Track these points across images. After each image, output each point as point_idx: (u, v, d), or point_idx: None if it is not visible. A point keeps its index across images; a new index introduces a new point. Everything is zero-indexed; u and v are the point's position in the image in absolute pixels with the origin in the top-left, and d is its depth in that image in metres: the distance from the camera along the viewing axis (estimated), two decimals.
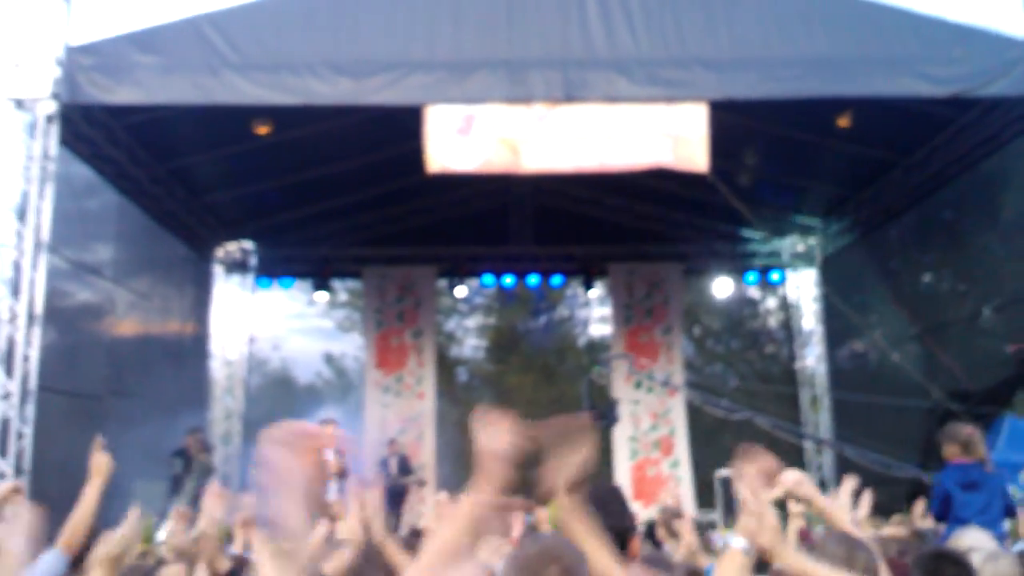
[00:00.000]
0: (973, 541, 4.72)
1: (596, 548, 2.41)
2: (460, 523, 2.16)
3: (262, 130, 9.73)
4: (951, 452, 6.74)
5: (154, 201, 11.31)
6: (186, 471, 11.59)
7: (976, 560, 4.17)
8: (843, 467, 13.99)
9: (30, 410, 8.14)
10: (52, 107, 8.46)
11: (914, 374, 11.66)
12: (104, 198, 10.38)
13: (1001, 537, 5.89)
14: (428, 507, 14.29)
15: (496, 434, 2.18)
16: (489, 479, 2.13)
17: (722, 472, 13.52)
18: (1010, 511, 6.63)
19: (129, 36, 8.51)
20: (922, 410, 11.63)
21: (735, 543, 2.51)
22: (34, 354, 8.24)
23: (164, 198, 11.46)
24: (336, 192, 12.85)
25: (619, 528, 2.71)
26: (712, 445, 15.00)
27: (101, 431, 9.61)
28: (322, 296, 15.78)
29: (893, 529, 7.22)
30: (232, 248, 14.61)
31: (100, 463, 4.08)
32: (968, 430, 6.73)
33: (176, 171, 11.21)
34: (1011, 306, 10.79)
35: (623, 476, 14.84)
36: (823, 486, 14.90)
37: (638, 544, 2.84)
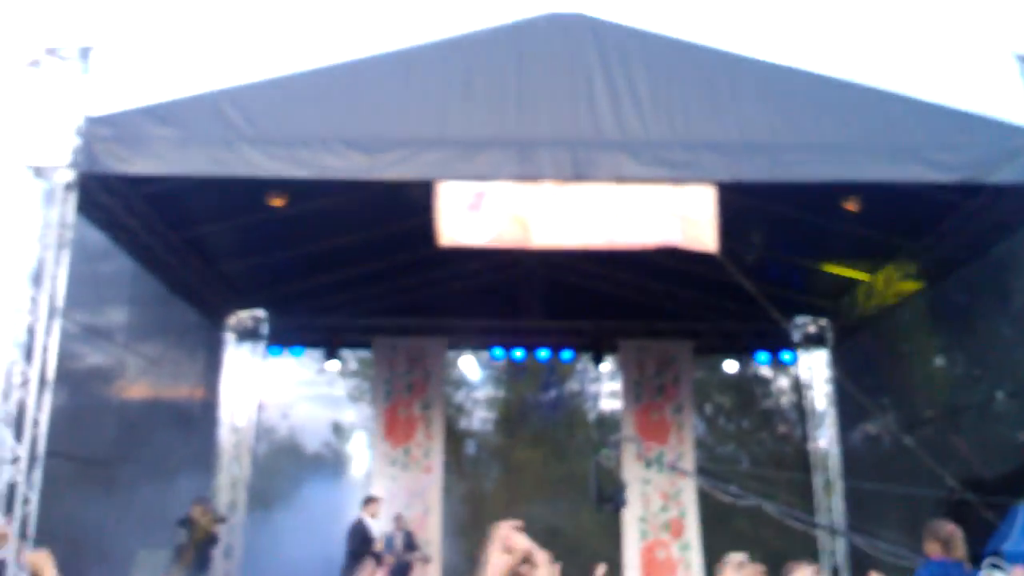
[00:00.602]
0: None
1: None
2: None
3: (277, 202, 9.87)
4: (931, 549, 6.64)
5: (168, 269, 11.45)
6: (190, 541, 11.51)
7: None
8: (856, 553, 13.71)
9: (37, 475, 8.12)
10: (70, 176, 8.61)
11: (928, 460, 11.47)
12: (118, 263, 10.51)
13: None
14: None
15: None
16: None
17: (735, 556, 13.25)
18: None
19: (147, 109, 8.71)
20: (936, 498, 11.41)
21: None
22: (44, 419, 8.26)
23: (178, 267, 11.59)
24: (348, 263, 12.98)
25: None
26: (724, 528, 14.75)
27: (107, 496, 9.63)
28: (333, 365, 15.81)
29: None
30: (244, 316, 14.71)
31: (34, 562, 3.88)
32: (949, 528, 6.63)
33: (191, 240, 11.36)
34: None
35: (632, 557, 14.60)
36: (835, 573, 14.59)
37: None
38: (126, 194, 9.70)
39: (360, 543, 12.35)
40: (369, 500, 13.09)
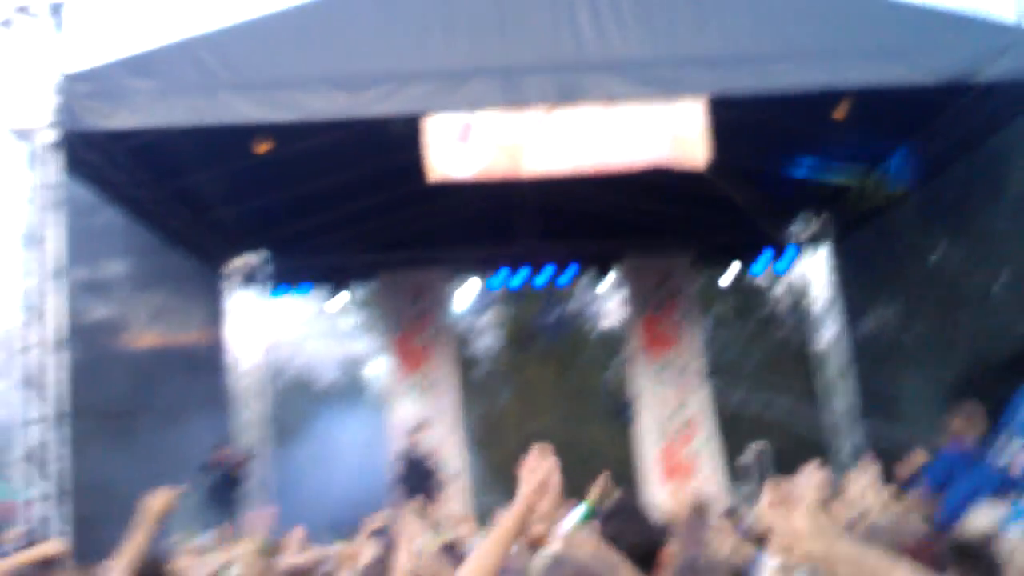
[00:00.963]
0: (985, 520, 4.69)
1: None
2: (501, 535, 2.37)
3: (262, 148, 9.80)
4: (955, 428, 6.82)
5: (160, 220, 11.42)
6: (217, 484, 11.77)
7: (1009, 547, 4.14)
8: (873, 441, 14.00)
9: (66, 432, 8.30)
10: (53, 135, 8.56)
11: (931, 349, 11.66)
12: (110, 215, 10.47)
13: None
14: (458, 504, 14.43)
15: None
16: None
17: (754, 445, 13.54)
18: (1005, 486, 6.63)
19: (124, 62, 8.61)
20: (944, 382, 11.61)
21: (770, 564, 2.53)
22: (64, 376, 8.40)
23: (170, 217, 11.56)
24: (342, 201, 12.92)
25: (647, 539, 2.73)
26: (736, 424, 15.03)
27: (128, 448, 9.83)
28: (338, 301, 15.91)
29: (907, 505, 7.21)
30: (244, 261, 14.73)
31: (152, 506, 4.03)
32: (971, 406, 6.80)
33: (180, 190, 11.30)
34: (1020, 281, 10.76)
35: (652, 458, 14.90)
36: (841, 469, 14.86)
37: (669, 553, 2.79)
38: (110, 149, 9.63)
39: (408, 468, 12.37)
40: (419, 426, 13.16)
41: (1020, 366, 11.54)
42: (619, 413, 12.01)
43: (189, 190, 11.37)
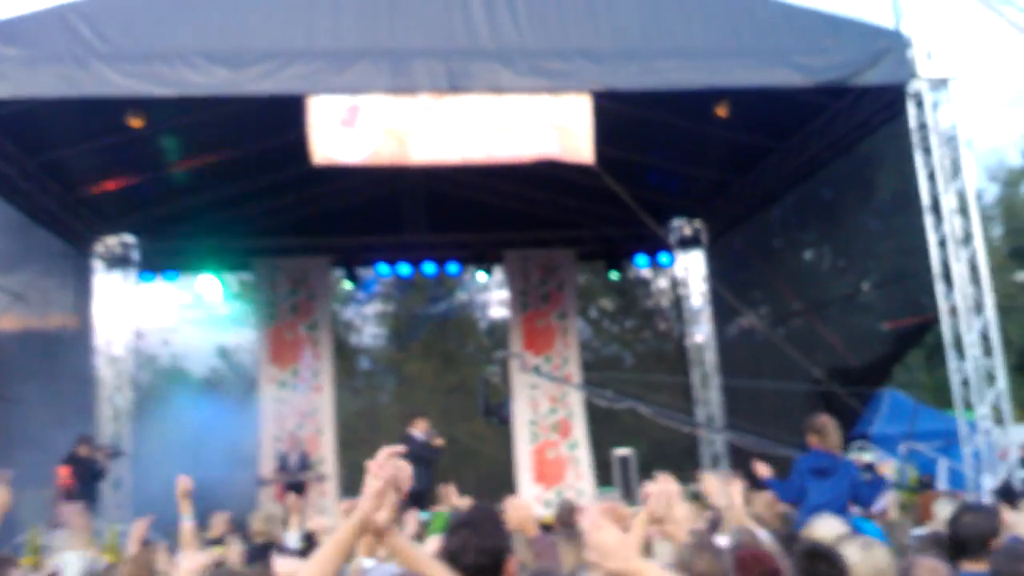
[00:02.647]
0: (829, 529, 4.88)
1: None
2: (337, 543, 2.33)
3: (135, 123, 9.37)
4: (810, 440, 7.04)
5: (26, 197, 10.80)
6: (80, 480, 11.20)
7: (852, 551, 4.32)
8: (735, 445, 14.45)
9: None
10: None
11: (796, 353, 12.08)
12: None
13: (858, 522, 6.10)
14: (329, 501, 14.18)
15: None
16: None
17: (620, 451, 13.84)
18: (861, 499, 6.91)
19: None
20: (805, 387, 12.05)
21: None
22: None
23: (36, 193, 10.95)
24: (220, 183, 12.51)
25: (492, 549, 2.68)
26: (610, 424, 15.28)
27: None
28: (208, 288, 15.39)
29: (762, 507, 7.43)
30: (112, 242, 14.09)
31: None
32: (823, 419, 7.04)
33: (48, 164, 10.72)
34: (888, 284, 11.27)
35: (524, 459, 15.01)
36: (716, 461, 15.38)
37: (514, 566, 2.80)
38: None
39: (411, 455, 11.87)
40: (416, 418, 12.69)
41: (879, 371, 12.17)
42: (494, 412, 12.00)
43: (57, 165, 10.80)
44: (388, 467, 2.40)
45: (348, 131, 8.76)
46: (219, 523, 8.52)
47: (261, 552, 5.90)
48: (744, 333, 14.75)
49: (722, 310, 15.32)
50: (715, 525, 5.75)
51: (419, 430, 11.81)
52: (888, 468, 7.86)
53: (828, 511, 5.52)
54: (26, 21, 8.22)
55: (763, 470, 7.13)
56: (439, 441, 11.83)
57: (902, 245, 10.50)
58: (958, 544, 3.99)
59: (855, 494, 6.78)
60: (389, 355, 22.32)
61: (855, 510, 6.86)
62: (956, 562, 3.87)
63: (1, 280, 10.71)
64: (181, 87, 8.23)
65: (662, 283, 17.79)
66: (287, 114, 9.01)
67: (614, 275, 16.73)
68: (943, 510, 5.38)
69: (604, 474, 14.48)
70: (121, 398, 14.38)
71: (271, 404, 14.68)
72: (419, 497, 9.87)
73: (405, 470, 2.42)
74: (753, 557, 3.47)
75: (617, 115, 9.74)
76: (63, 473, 11.02)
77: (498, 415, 11.94)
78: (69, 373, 12.37)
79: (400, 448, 2.48)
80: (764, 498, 7.54)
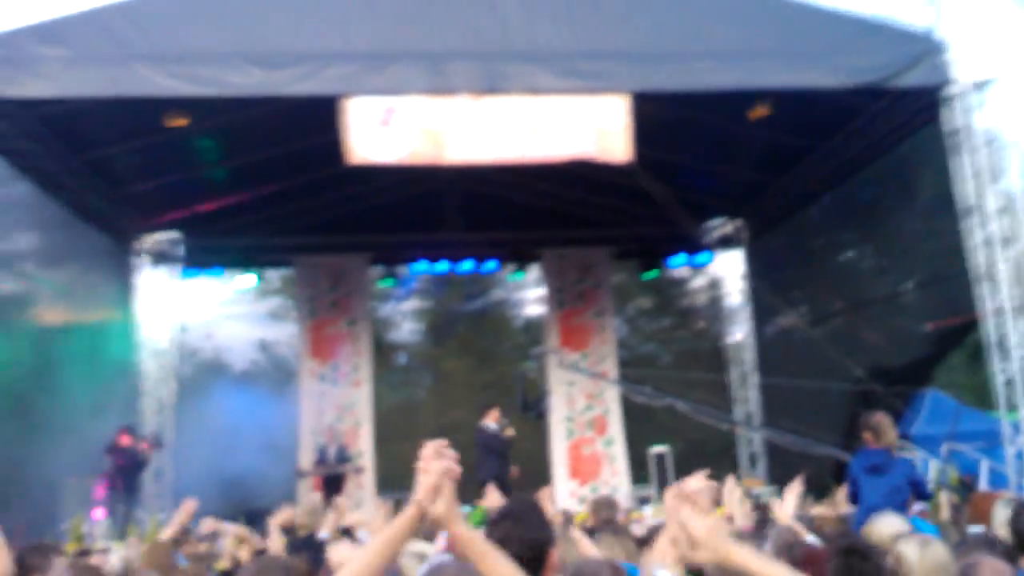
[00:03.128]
0: (888, 527, 4.86)
1: (493, 565, 2.40)
2: (389, 537, 2.39)
3: (178, 122, 9.53)
4: (865, 438, 6.96)
5: (72, 193, 11.05)
6: (120, 469, 11.44)
7: (909, 549, 4.30)
8: (772, 444, 14.35)
9: None
10: None
11: (836, 352, 11.96)
12: (21, 187, 10.10)
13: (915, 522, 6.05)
14: (367, 494, 14.34)
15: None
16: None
17: (656, 449, 13.81)
18: (921, 495, 6.84)
19: (35, 28, 8.30)
20: (846, 387, 11.93)
21: (659, 573, 2.51)
22: None
23: (82, 190, 11.20)
24: (261, 181, 12.68)
25: (535, 541, 2.70)
26: (646, 422, 15.25)
27: (25, 427, 9.46)
28: (247, 281, 15.62)
29: (820, 510, 7.40)
30: (157, 239, 14.35)
31: None
32: (877, 417, 6.95)
33: (93, 162, 10.95)
34: (930, 284, 11.13)
35: (560, 455, 15.06)
36: (753, 460, 15.28)
37: (556, 557, 2.80)
38: (21, 117, 9.30)
39: (483, 445, 12.05)
40: (490, 408, 12.86)
41: (920, 372, 12.02)
42: (531, 407, 12.03)
43: (102, 163, 11.03)
44: (439, 461, 2.41)
45: (384, 131, 8.83)
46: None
47: (305, 544, 5.97)
48: (783, 333, 14.63)
49: (761, 309, 15.22)
50: (762, 525, 5.74)
51: (491, 420, 11.98)
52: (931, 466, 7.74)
53: (885, 508, 5.47)
54: (70, 22, 8.40)
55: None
56: (510, 432, 11.99)
57: (944, 246, 10.34)
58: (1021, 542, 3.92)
59: (916, 489, 6.71)
60: (426, 351, 22.43)
61: (915, 508, 6.79)
62: (1016, 560, 3.83)
63: (49, 275, 10.97)
64: (221, 87, 8.37)
65: (699, 282, 17.70)
66: (325, 114, 9.11)
67: (651, 275, 16.68)
68: (1002, 511, 5.28)
69: (640, 471, 14.46)
70: (164, 390, 14.64)
71: (310, 398, 14.88)
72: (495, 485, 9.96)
73: (454, 462, 2.45)
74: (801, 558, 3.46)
75: (655, 116, 9.70)
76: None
77: (536, 409, 12.00)
78: (113, 366, 12.62)
79: (444, 442, 2.50)
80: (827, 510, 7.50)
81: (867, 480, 6.66)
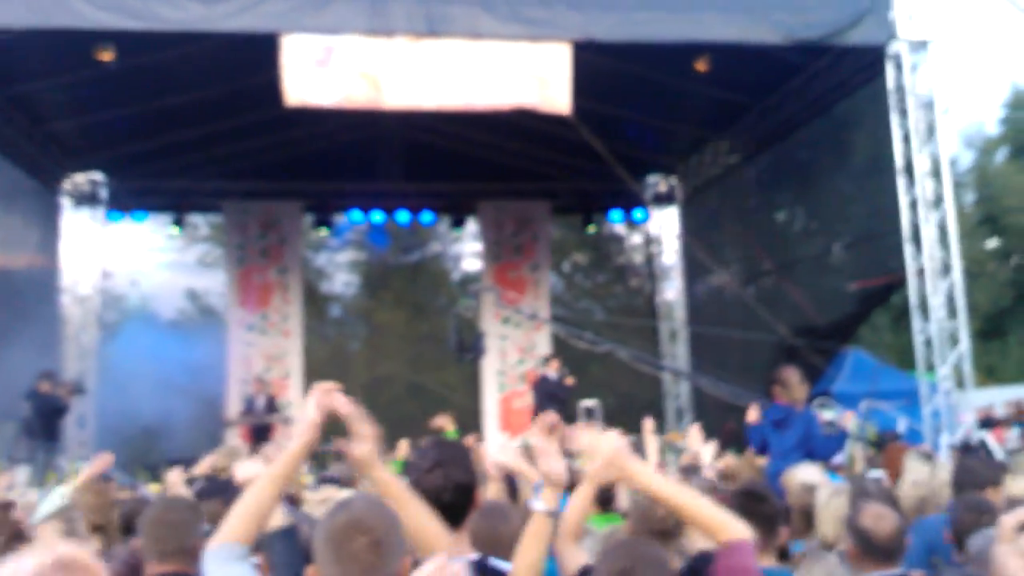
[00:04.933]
0: (801, 476, 5.00)
1: (415, 514, 2.40)
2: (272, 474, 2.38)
3: (105, 56, 9.14)
4: (774, 391, 7.12)
5: None
6: (39, 415, 11.12)
7: (821, 496, 4.42)
8: (699, 396, 14.64)
9: None
10: None
11: (762, 310, 12.20)
12: None
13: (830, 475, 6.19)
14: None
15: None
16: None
17: (586, 403, 13.96)
18: (816, 452, 6.97)
19: None
20: (771, 344, 12.18)
21: (536, 505, 2.56)
22: None
23: (3, 126, 10.72)
24: (191, 122, 12.23)
25: (463, 482, 2.71)
26: (580, 375, 15.41)
27: None
28: (175, 230, 15.24)
29: (737, 462, 7.54)
30: (81, 179, 13.85)
31: None
32: (787, 371, 7.10)
33: (15, 98, 10.49)
34: (858, 244, 11.36)
35: (491, 408, 15.14)
36: (680, 415, 15.57)
37: (481, 496, 2.84)
38: None
39: (545, 393, 12.03)
40: (548, 359, 12.87)
41: (844, 331, 12.34)
42: (467, 349, 11.99)
43: (25, 98, 10.58)
44: (326, 398, 2.41)
45: (322, 72, 8.61)
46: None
47: (223, 487, 5.85)
48: (714, 291, 14.85)
49: (693, 268, 15.40)
50: (688, 472, 5.85)
51: (552, 370, 12.21)
52: (849, 420, 7.96)
53: (785, 462, 5.62)
54: None
55: (752, 415, 7.22)
56: (570, 380, 12.18)
57: (874, 208, 10.56)
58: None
59: (809, 447, 6.85)
60: (360, 303, 22.23)
61: (836, 460, 6.95)
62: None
63: None
64: (152, 21, 8.06)
65: (635, 239, 17.84)
66: (261, 54, 8.83)
67: (591, 228, 16.74)
68: (914, 464, 5.45)
69: (570, 425, 14.60)
70: (87, 337, 14.26)
71: (239, 347, 14.64)
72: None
73: (343, 402, 2.42)
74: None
75: (596, 67, 9.64)
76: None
77: (473, 351, 11.93)
78: (34, 311, 12.22)
79: (334, 385, 2.49)
80: (741, 457, 7.65)
81: (772, 433, 6.85)
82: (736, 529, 2.48)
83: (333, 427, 2.50)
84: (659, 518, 3.25)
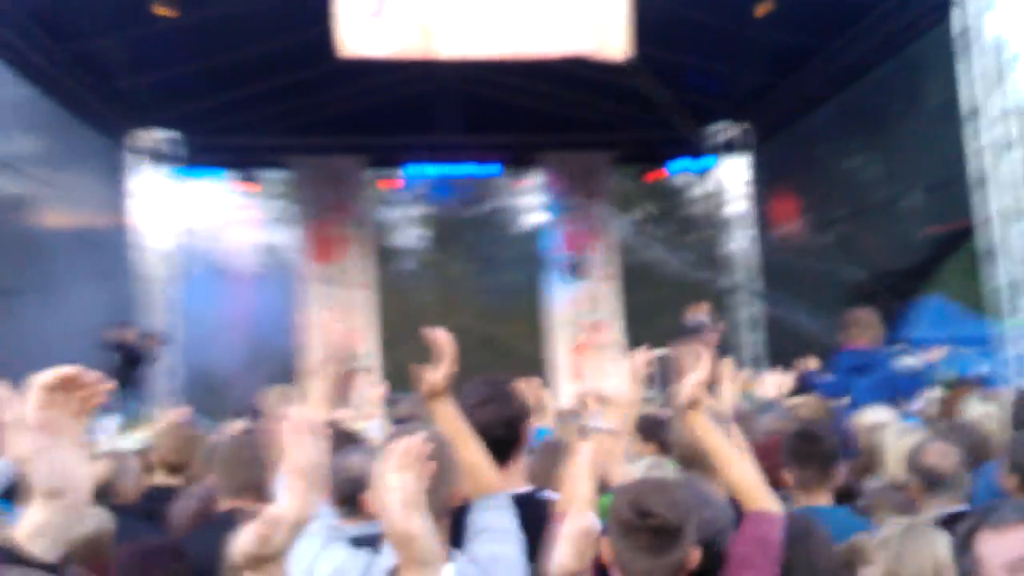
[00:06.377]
0: (872, 417, 4.91)
1: (471, 450, 2.47)
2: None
3: (164, 12, 9.29)
4: (849, 333, 6.93)
5: (60, 88, 10.84)
6: (119, 365, 11.55)
7: (889, 435, 4.36)
8: (773, 347, 14.46)
9: None
10: None
11: (837, 256, 11.94)
12: (7, 90, 9.92)
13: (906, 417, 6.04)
14: (373, 394, 14.51)
15: None
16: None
17: (659, 352, 13.86)
18: (903, 392, 6.80)
19: None
20: (845, 291, 11.91)
21: (599, 424, 2.63)
22: None
23: (71, 85, 11.00)
24: (255, 78, 12.32)
25: (512, 418, 2.76)
26: (647, 327, 15.34)
27: (21, 325, 9.50)
28: (251, 187, 15.55)
29: (805, 405, 7.41)
30: (153, 136, 14.19)
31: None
32: (860, 312, 6.91)
33: (81, 55, 10.71)
34: (933, 190, 10.99)
35: (563, 357, 15.18)
36: (757, 363, 15.33)
37: (528, 431, 2.88)
38: (2, 7, 9.07)
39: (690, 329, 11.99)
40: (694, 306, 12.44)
41: (921, 277, 11.98)
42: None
43: (91, 55, 10.77)
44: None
45: (377, 23, 8.64)
46: None
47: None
48: (785, 239, 14.54)
49: (763, 217, 15.09)
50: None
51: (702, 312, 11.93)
52: (938, 354, 7.64)
53: (868, 404, 5.48)
54: None
55: (811, 364, 7.09)
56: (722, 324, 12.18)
57: (947, 153, 10.17)
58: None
59: (895, 387, 6.68)
60: (431, 256, 22.43)
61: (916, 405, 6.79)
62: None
63: (40, 175, 10.85)
64: None
65: (704, 188, 17.51)
66: (320, 6, 8.88)
67: (657, 176, 16.48)
68: (974, 408, 5.28)
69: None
70: (172, 291, 14.72)
71: (315, 300, 14.93)
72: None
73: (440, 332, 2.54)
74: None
75: (658, 13, 9.43)
76: None
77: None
78: (117, 269, 12.65)
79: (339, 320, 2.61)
80: (813, 399, 7.52)
81: (853, 379, 6.66)
82: (768, 502, 2.53)
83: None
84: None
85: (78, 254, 11.27)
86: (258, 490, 3.07)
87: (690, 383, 2.67)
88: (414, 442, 1.84)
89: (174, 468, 4.43)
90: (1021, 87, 9.09)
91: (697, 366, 2.69)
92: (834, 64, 11.64)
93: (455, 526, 2.32)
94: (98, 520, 3.33)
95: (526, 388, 4.66)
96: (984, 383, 10.42)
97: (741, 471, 2.58)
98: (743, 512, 2.55)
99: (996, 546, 1.84)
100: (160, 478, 4.44)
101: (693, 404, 2.66)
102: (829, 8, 10.00)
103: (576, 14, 8.97)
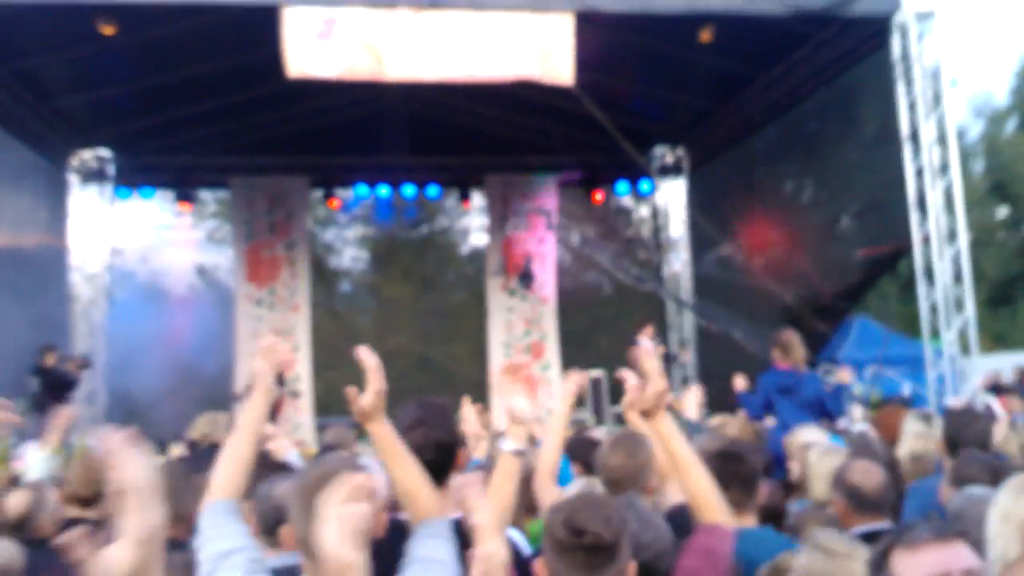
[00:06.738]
0: (801, 437, 5.04)
1: (406, 472, 2.42)
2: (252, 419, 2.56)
3: (107, 30, 9.12)
4: (774, 355, 7.11)
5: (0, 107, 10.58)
6: (45, 389, 11.20)
7: (812, 456, 4.47)
8: (705, 365, 14.69)
9: None
10: None
11: (769, 281, 12.20)
12: None
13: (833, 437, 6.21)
14: (305, 418, 14.34)
15: None
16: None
17: (592, 373, 14.00)
18: (827, 414, 6.97)
19: None
20: (777, 312, 12.18)
21: (506, 446, 2.64)
22: None
23: (8, 102, 10.72)
24: (196, 98, 12.19)
25: (444, 441, 2.76)
26: (584, 348, 15.45)
27: None
28: (184, 206, 15.27)
29: (730, 425, 7.55)
30: (88, 156, 13.87)
31: None
32: (787, 334, 7.08)
33: (20, 73, 10.45)
34: (866, 213, 11.35)
35: (497, 378, 15.18)
36: (685, 383, 15.54)
37: (464, 456, 2.89)
38: None
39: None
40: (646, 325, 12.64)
41: (851, 299, 12.33)
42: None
43: (30, 73, 10.54)
44: (274, 353, 2.61)
45: (324, 44, 8.60)
46: None
47: (207, 455, 5.88)
48: (720, 262, 14.82)
49: (700, 239, 15.38)
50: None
51: (647, 336, 11.94)
52: (845, 374, 7.90)
53: (797, 425, 5.62)
54: None
55: (740, 383, 7.22)
56: (662, 348, 12.34)
57: (882, 177, 10.52)
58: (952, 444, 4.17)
59: (822, 407, 6.84)
60: (368, 278, 22.26)
61: (840, 424, 6.95)
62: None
63: None
64: None
65: (642, 212, 17.80)
66: (264, 27, 8.81)
67: (597, 198, 16.71)
68: (912, 426, 5.44)
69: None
70: (97, 314, 14.34)
71: (247, 322, 14.71)
72: None
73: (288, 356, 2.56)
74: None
75: (600, 39, 9.59)
76: None
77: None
78: (43, 290, 12.28)
79: (278, 340, 2.59)
80: (739, 418, 7.65)
81: (779, 400, 6.82)
82: (722, 514, 2.58)
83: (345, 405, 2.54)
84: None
85: (10, 277, 10.93)
86: (184, 521, 3.00)
87: (651, 391, 2.71)
88: (363, 478, 1.85)
89: (86, 502, 4.20)
90: (956, 111, 9.49)
91: (655, 377, 2.74)
92: (773, 90, 11.97)
93: (390, 550, 2.26)
94: (6, 554, 3.22)
95: (471, 413, 4.69)
96: (908, 403, 10.80)
97: (699, 481, 2.61)
98: (694, 524, 2.59)
99: (910, 564, 1.86)
100: (74, 512, 4.19)
101: (654, 410, 2.70)
102: (768, 36, 10.27)
103: (523, 39, 9.06)
